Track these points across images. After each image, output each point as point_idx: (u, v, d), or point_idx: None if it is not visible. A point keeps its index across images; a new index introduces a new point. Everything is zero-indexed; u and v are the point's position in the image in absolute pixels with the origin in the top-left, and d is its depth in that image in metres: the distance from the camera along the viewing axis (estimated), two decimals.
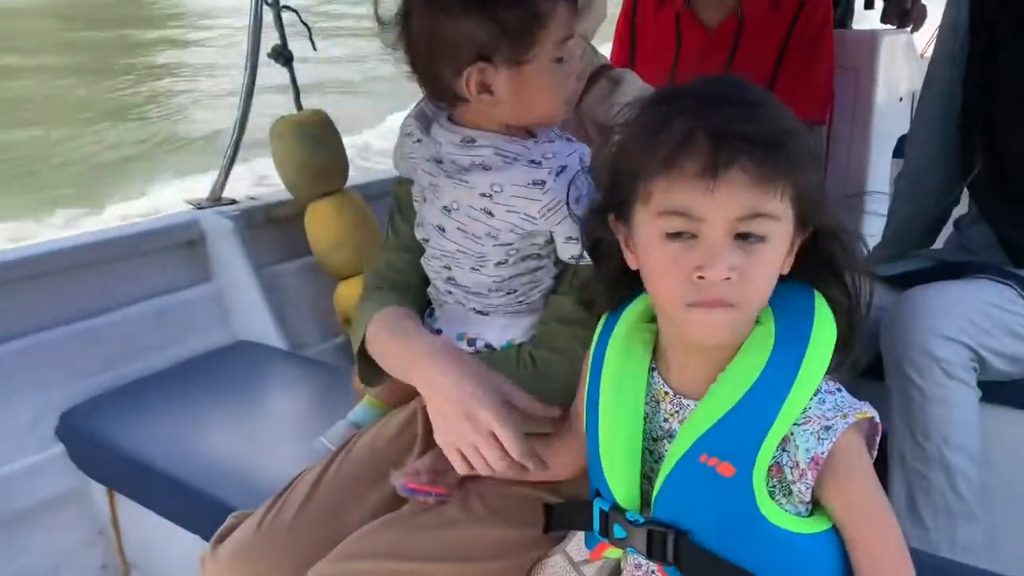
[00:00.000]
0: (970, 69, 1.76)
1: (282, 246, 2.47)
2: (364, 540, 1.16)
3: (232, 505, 1.46)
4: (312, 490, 1.28)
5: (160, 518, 1.76)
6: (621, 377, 0.95)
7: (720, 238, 0.81)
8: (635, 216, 0.87)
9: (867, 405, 0.87)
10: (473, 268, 1.19)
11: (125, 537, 2.03)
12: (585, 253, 1.05)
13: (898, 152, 2.55)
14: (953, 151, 1.83)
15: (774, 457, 0.85)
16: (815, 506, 0.88)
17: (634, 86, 1.26)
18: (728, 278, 0.81)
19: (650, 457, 0.95)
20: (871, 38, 2.64)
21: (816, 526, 0.86)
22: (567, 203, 1.09)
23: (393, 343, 1.21)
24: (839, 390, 0.88)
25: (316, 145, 2.36)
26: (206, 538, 1.32)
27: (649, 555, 0.91)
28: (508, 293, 1.20)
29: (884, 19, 3.18)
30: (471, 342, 1.23)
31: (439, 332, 1.25)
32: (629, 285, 0.94)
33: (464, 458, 1.08)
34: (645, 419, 0.94)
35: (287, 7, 2.33)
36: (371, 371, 1.28)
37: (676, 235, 0.83)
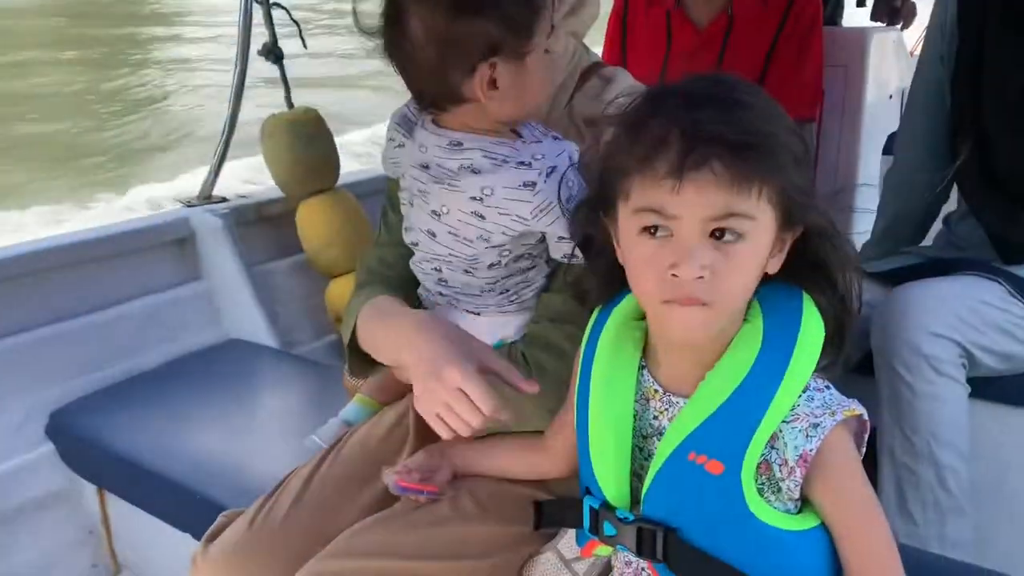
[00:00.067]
0: (958, 68, 1.77)
1: (273, 244, 2.47)
2: (356, 538, 1.16)
3: (223, 504, 1.46)
4: (304, 488, 1.28)
5: (151, 517, 1.76)
6: (611, 374, 0.95)
7: (693, 236, 0.82)
8: (618, 213, 0.88)
9: (855, 402, 0.87)
10: (466, 271, 1.19)
11: (115, 536, 2.03)
12: (578, 251, 1.06)
13: (888, 149, 2.57)
14: (942, 149, 1.84)
15: (763, 455, 0.86)
16: (804, 503, 0.88)
17: (625, 84, 1.26)
18: (701, 277, 0.81)
19: (640, 455, 0.95)
20: (861, 36, 2.65)
21: (805, 523, 0.87)
22: (559, 203, 1.10)
23: (382, 329, 1.21)
24: (827, 388, 0.88)
25: (307, 143, 2.36)
26: (197, 537, 1.32)
27: (639, 552, 0.91)
28: (500, 293, 1.20)
29: (874, 17, 3.19)
30: None
31: None
32: (622, 280, 0.94)
33: (444, 422, 1.08)
34: (635, 417, 0.94)
35: (277, 4, 2.32)
36: (361, 363, 1.28)
37: (653, 233, 0.84)
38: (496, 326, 1.22)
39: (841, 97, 2.60)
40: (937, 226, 2.00)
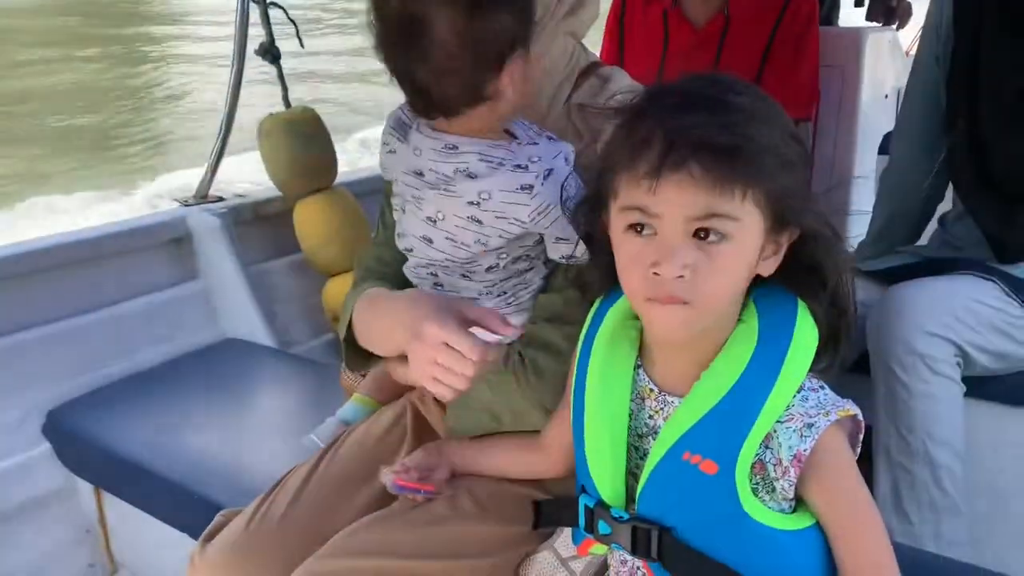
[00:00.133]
0: (953, 69, 1.77)
1: (270, 243, 2.47)
2: (353, 537, 1.16)
3: (220, 503, 1.46)
4: (301, 487, 1.28)
5: (148, 516, 1.76)
6: (607, 374, 0.96)
7: (676, 236, 0.82)
8: (610, 211, 0.89)
9: (850, 403, 0.87)
10: (463, 275, 1.19)
11: (112, 535, 2.03)
12: (576, 253, 1.08)
13: (883, 149, 2.57)
14: (938, 148, 1.85)
15: (757, 454, 0.86)
16: (798, 503, 0.88)
17: (623, 84, 1.26)
18: (682, 276, 0.82)
19: (635, 454, 0.95)
20: (857, 36, 2.65)
21: (799, 522, 0.87)
22: (556, 204, 1.10)
23: (375, 317, 1.21)
24: (822, 388, 0.89)
25: (305, 142, 2.36)
26: (194, 536, 1.32)
27: (633, 551, 0.91)
28: (498, 296, 1.20)
29: (870, 17, 3.20)
30: None
31: None
32: None
33: (442, 383, 1.06)
34: (630, 416, 0.95)
35: (274, 3, 2.32)
36: (358, 358, 1.28)
37: (639, 231, 0.84)
38: None
39: (837, 97, 2.60)
40: (933, 225, 2.01)
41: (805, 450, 0.84)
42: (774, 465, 0.86)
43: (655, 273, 0.83)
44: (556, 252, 1.15)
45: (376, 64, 1.10)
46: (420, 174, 1.15)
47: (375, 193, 1.43)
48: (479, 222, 1.12)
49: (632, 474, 0.94)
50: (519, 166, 1.10)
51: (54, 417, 1.96)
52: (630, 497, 0.94)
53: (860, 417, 0.88)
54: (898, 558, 0.87)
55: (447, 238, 1.15)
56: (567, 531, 1.10)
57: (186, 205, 2.42)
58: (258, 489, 1.32)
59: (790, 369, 0.86)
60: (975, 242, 1.78)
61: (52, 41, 15.18)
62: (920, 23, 2.02)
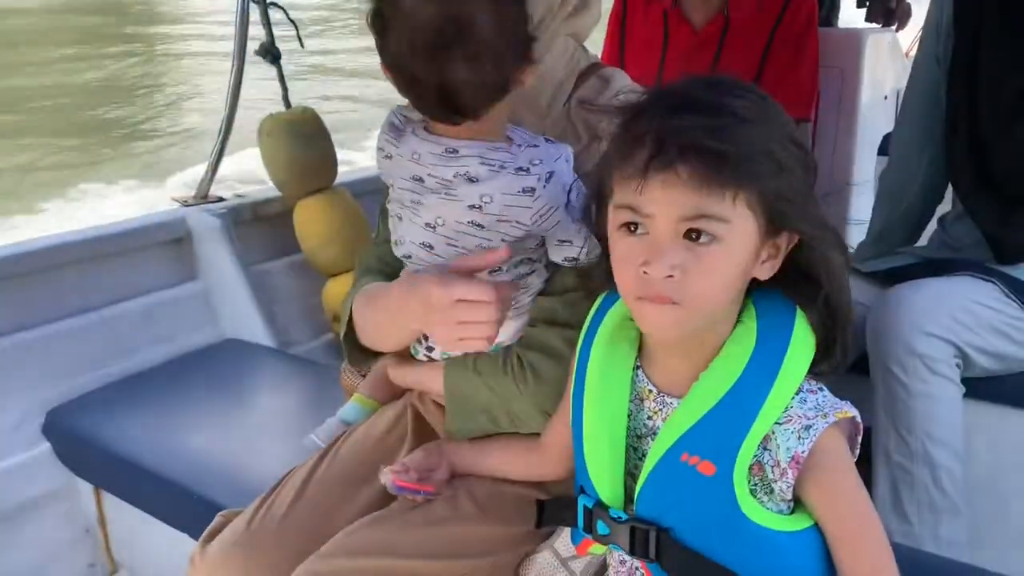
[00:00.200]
0: (953, 69, 1.77)
1: (270, 244, 2.47)
2: (353, 537, 1.16)
3: (220, 503, 1.46)
4: (302, 488, 1.28)
5: (147, 516, 1.76)
6: (606, 374, 0.96)
7: (666, 236, 0.83)
8: (608, 209, 0.89)
9: (848, 404, 0.87)
10: None
11: (112, 535, 2.03)
12: (578, 255, 1.10)
13: (883, 150, 2.57)
14: (937, 149, 1.85)
15: (755, 456, 0.86)
16: (797, 504, 0.88)
17: (623, 85, 1.26)
18: (671, 276, 0.82)
19: (634, 454, 0.96)
20: (856, 37, 2.66)
21: (798, 524, 0.87)
22: (562, 207, 1.10)
23: (376, 312, 1.21)
24: (820, 390, 0.89)
25: (305, 142, 2.36)
26: (194, 536, 1.32)
27: (631, 552, 0.91)
28: None
29: (869, 18, 3.20)
30: None
31: (426, 338, 1.25)
32: None
33: (472, 338, 1.07)
34: (629, 416, 0.95)
35: (274, 4, 2.32)
36: (360, 354, 1.28)
37: (632, 230, 0.85)
38: None
39: (837, 98, 2.60)
40: (932, 226, 2.01)
41: (803, 452, 0.84)
42: (772, 467, 0.86)
43: (645, 272, 0.83)
44: (558, 254, 1.15)
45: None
46: (419, 179, 1.15)
47: (375, 193, 1.43)
48: (480, 226, 1.11)
49: (631, 475, 0.95)
50: (521, 169, 1.09)
51: (54, 417, 1.96)
52: (629, 498, 0.94)
53: (858, 419, 0.88)
54: (897, 559, 0.87)
55: (448, 243, 1.15)
56: (567, 531, 1.11)
57: (186, 205, 2.42)
58: (258, 489, 1.32)
59: (788, 371, 0.86)
60: (974, 243, 1.79)
61: (78, 40, 15.59)
62: (919, 24, 2.02)
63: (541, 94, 1.25)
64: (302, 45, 2.45)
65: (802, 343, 0.88)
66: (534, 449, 1.16)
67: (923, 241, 2.03)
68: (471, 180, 1.11)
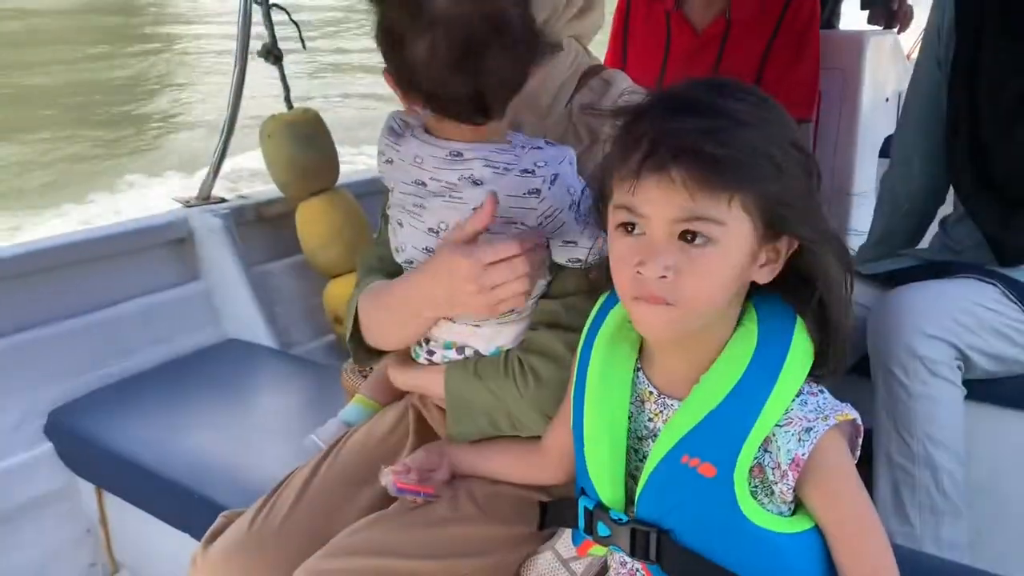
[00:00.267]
0: (955, 71, 1.77)
1: (272, 244, 2.47)
2: (354, 537, 1.16)
3: (222, 504, 1.46)
4: (303, 489, 1.28)
5: (149, 516, 1.76)
6: (607, 376, 0.96)
7: (660, 236, 0.83)
8: (609, 210, 0.90)
9: (848, 407, 0.87)
10: None
11: (113, 535, 2.03)
12: (582, 256, 1.09)
13: (884, 152, 2.57)
14: (938, 151, 1.85)
15: (756, 458, 0.86)
16: (798, 505, 0.89)
17: (624, 87, 1.27)
18: (664, 276, 0.82)
19: (635, 456, 0.96)
20: (858, 39, 2.66)
21: (798, 525, 0.87)
22: (566, 209, 1.10)
23: (380, 309, 1.21)
24: (821, 392, 0.89)
25: (306, 144, 2.37)
26: (195, 536, 1.32)
27: (632, 553, 0.92)
28: None
29: (871, 20, 3.21)
30: (460, 349, 1.22)
31: (427, 341, 1.25)
32: None
33: (512, 297, 1.07)
34: (630, 418, 0.95)
35: (276, 5, 2.32)
36: (365, 353, 1.28)
37: (629, 230, 0.85)
38: (495, 335, 1.21)
39: (838, 100, 2.60)
40: (933, 228, 2.01)
41: (803, 454, 0.84)
42: (772, 469, 0.87)
43: (639, 272, 0.83)
44: (563, 256, 1.15)
45: None
46: (422, 183, 1.15)
47: (376, 194, 1.44)
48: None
49: (632, 476, 0.95)
50: (526, 171, 1.10)
51: (56, 417, 1.96)
52: (629, 499, 0.94)
53: (859, 421, 0.88)
54: (898, 561, 0.87)
55: None
56: (568, 532, 1.11)
57: (188, 206, 2.42)
58: (259, 490, 1.32)
59: (789, 373, 0.86)
60: (975, 245, 1.79)
61: (102, 39, 16.05)
62: (921, 27, 2.02)
63: (543, 94, 1.25)
64: (304, 47, 2.45)
65: (803, 346, 0.88)
66: (535, 452, 1.16)
67: (924, 243, 2.03)
68: (476, 183, 1.11)
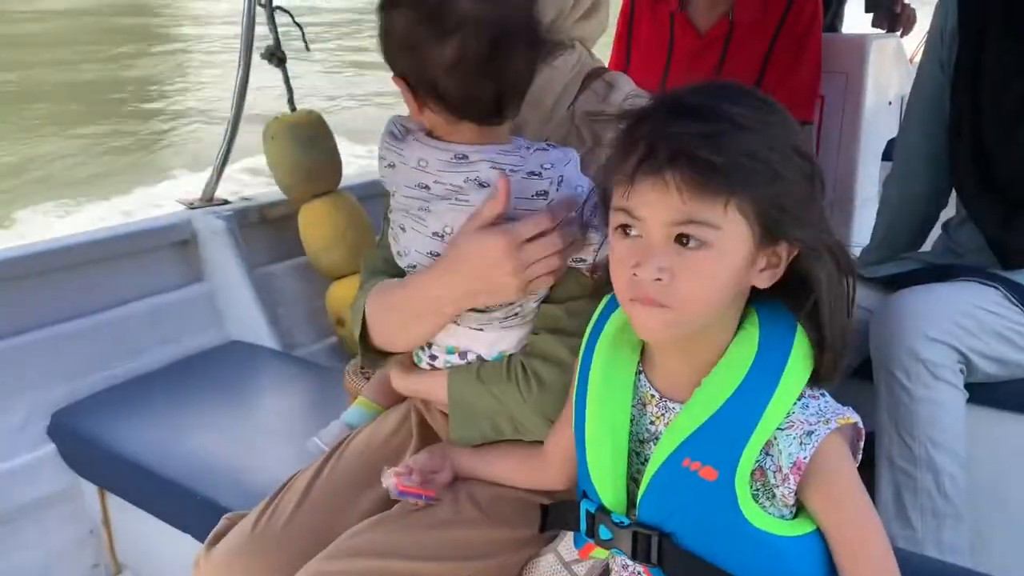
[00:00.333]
0: (958, 74, 1.78)
1: (275, 246, 2.48)
2: (356, 538, 1.16)
3: (225, 505, 1.47)
4: (306, 492, 1.28)
5: (152, 518, 1.76)
6: (608, 379, 0.96)
7: (656, 239, 0.83)
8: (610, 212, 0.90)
9: (850, 410, 0.87)
10: None
11: (116, 537, 2.04)
12: (587, 257, 1.09)
13: (887, 155, 2.58)
14: (941, 154, 1.85)
15: (757, 461, 0.86)
16: (799, 508, 0.89)
17: (627, 90, 1.27)
18: (659, 279, 0.83)
19: (637, 459, 0.96)
20: (861, 42, 2.65)
21: (800, 528, 0.87)
22: (579, 213, 1.10)
23: (393, 310, 1.20)
24: (823, 395, 0.89)
25: (309, 146, 2.37)
26: (198, 538, 1.33)
27: (633, 557, 0.92)
28: (504, 306, 1.18)
29: (874, 23, 3.21)
30: (462, 354, 1.22)
31: (429, 346, 1.25)
32: None
33: (548, 274, 1.07)
34: (632, 421, 0.95)
35: (280, 7, 2.33)
36: (372, 354, 1.28)
37: (627, 233, 0.86)
38: (497, 339, 1.20)
39: (841, 103, 2.60)
40: (936, 231, 2.01)
41: (805, 458, 0.84)
42: (774, 472, 0.87)
43: (635, 274, 0.84)
44: (568, 256, 1.15)
45: None
46: (425, 187, 1.14)
47: (379, 197, 1.43)
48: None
49: (633, 479, 0.95)
50: (532, 173, 1.10)
51: (59, 418, 1.97)
52: (631, 502, 0.94)
53: (860, 425, 0.88)
54: (899, 564, 0.87)
55: None
56: (570, 534, 1.11)
57: (192, 208, 2.43)
58: (262, 491, 1.32)
59: (790, 377, 0.86)
60: (978, 248, 1.79)
61: (128, 39, 16.48)
62: (924, 30, 2.03)
63: (546, 96, 1.25)
64: (307, 48, 2.46)
65: (804, 350, 0.88)
66: (537, 456, 1.16)
67: (927, 246, 2.03)
68: (482, 185, 1.10)
